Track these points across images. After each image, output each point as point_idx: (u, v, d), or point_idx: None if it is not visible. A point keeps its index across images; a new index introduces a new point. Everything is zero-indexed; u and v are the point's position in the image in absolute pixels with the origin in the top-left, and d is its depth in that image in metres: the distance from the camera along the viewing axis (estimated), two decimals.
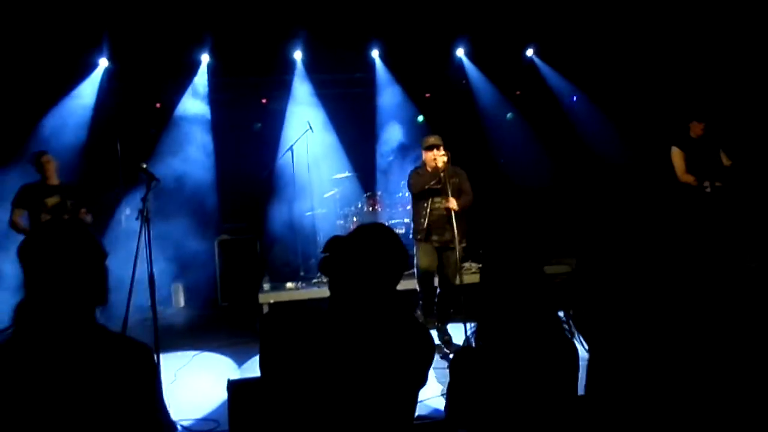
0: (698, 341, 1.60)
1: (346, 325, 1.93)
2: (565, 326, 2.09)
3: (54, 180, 5.85)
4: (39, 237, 1.80)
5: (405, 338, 1.97)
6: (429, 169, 5.52)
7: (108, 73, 8.06)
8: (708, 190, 5.94)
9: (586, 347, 1.77)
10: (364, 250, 2.00)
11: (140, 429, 1.72)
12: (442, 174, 5.36)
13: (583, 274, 1.76)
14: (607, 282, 1.70)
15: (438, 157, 5.37)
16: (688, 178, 6.09)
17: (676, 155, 6.20)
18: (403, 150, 7.89)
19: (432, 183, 5.43)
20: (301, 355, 1.89)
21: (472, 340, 2.14)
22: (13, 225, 5.72)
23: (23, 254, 1.75)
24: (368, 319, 1.94)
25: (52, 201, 5.80)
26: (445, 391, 3.44)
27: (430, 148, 5.52)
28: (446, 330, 5.57)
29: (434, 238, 5.46)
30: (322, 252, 2.07)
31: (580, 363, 2.05)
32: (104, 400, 1.67)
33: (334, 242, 2.08)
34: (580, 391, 2.03)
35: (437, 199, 5.48)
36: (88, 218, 5.92)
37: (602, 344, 1.67)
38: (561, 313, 2.12)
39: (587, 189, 8.70)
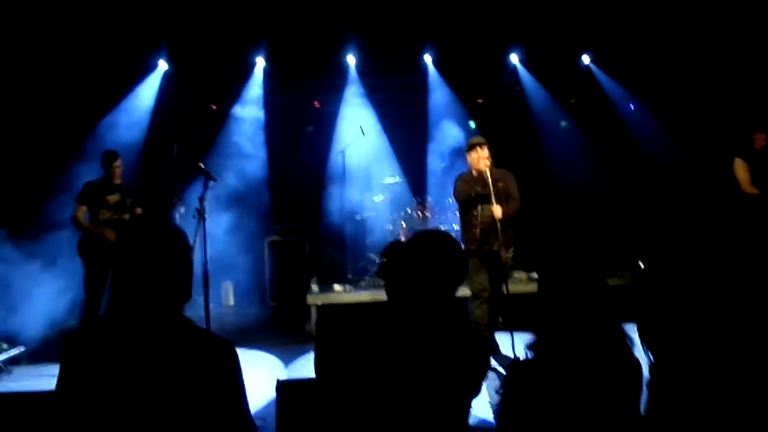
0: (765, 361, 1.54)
1: (402, 331, 1.91)
2: (628, 341, 2.01)
3: (117, 180, 6.05)
4: (130, 232, 1.83)
5: (461, 346, 1.94)
6: (474, 173, 5.38)
7: (166, 75, 8.26)
8: None
9: (653, 360, 1.70)
10: (424, 256, 1.99)
11: (225, 425, 1.73)
12: (488, 179, 5.20)
13: (655, 284, 1.69)
14: (679, 294, 1.63)
15: (482, 158, 5.23)
16: (753, 190, 5.90)
17: (740, 167, 6.02)
18: (455, 154, 7.80)
19: (478, 189, 5.28)
20: (356, 358, 1.88)
21: (528, 352, 2.09)
22: (75, 221, 5.91)
23: (117, 248, 1.79)
24: (425, 325, 1.92)
25: (113, 199, 5.98)
26: (491, 401, 3.38)
27: (472, 147, 5.39)
28: (494, 339, 5.48)
29: (485, 247, 5.32)
30: (382, 257, 2.06)
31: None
32: (190, 395, 1.68)
33: (394, 248, 2.08)
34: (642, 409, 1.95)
35: (486, 206, 5.30)
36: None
37: (669, 359, 1.61)
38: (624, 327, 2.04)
39: (643, 199, 8.46)
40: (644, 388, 1.87)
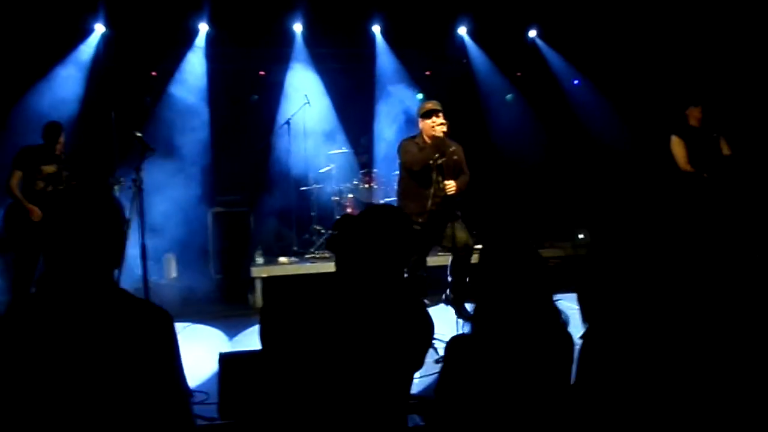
0: (699, 333, 1.59)
1: (349, 303, 1.92)
2: (560, 313, 2.08)
3: (58, 152, 5.87)
4: (61, 200, 1.82)
5: (406, 320, 1.96)
6: (428, 140, 5.06)
7: (104, 40, 7.91)
8: (706, 176, 5.91)
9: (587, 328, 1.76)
10: (375, 230, 1.99)
11: (161, 393, 1.72)
12: (447, 148, 4.96)
13: (593, 255, 1.73)
14: (616, 264, 1.68)
15: (437, 126, 4.94)
16: (689, 168, 6.04)
17: (677, 144, 6.13)
18: (407, 123, 7.78)
19: (436, 157, 4.95)
20: (302, 329, 1.88)
21: (467, 325, 2.14)
22: (8, 188, 5.62)
23: (47, 219, 1.77)
24: (372, 298, 1.93)
25: (48, 169, 5.75)
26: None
27: (428, 114, 5.03)
28: (465, 309, 5.17)
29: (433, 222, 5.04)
30: (332, 229, 2.07)
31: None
32: (125, 363, 1.67)
33: (344, 221, 2.07)
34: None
35: (442, 178, 5.02)
36: None
37: (603, 328, 1.66)
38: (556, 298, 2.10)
39: (585, 173, 8.68)
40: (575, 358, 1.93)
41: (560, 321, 2.04)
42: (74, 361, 1.64)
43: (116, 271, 1.84)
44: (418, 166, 4.98)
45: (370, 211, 2.12)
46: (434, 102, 5.11)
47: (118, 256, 1.79)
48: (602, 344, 1.64)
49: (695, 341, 1.59)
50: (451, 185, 4.96)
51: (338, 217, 7.27)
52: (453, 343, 2.08)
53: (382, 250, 1.97)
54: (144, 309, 1.78)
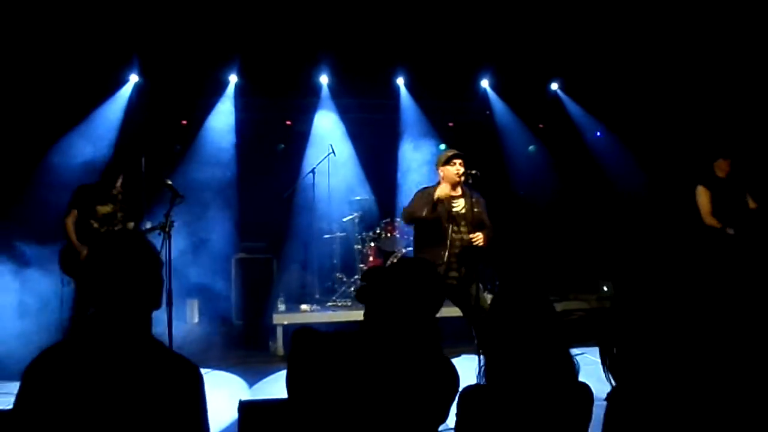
0: (728, 390, 1.57)
1: (375, 354, 1.93)
2: (575, 366, 2.06)
3: (116, 190, 5.77)
4: (100, 247, 1.86)
5: (430, 372, 1.97)
6: (447, 190, 4.88)
7: (137, 89, 8.19)
8: (732, 233, 5.83)
9: (613, 384, 1.73)
10: (405, 283, 2.02)
11: None
12: (467, 198, 4.87)
13: (617, 309, 1.73)
14: (641, 319, 1.66)
15: (460, 172, 4.84)
16: (713, 222, 5.97)
17: (702, 195, 6.07)
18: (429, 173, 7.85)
19: (454, 206, 4.85)
20: (327, 376, 1.88)
21: (481, 377, 2.12)
22: (64, 227, 5.58)
23: (88, 264, 1.82)
24: (398, 350, 1.94)
25: (104, 209, 5.69)
26: None
27: (450, 159, 4.92)
28: None
29: (453, 275, 4.83)
30: (362, 280, 2.10)
31: (596, 404, 2.01)
32: (151, 414, 1.68)
33: (373, 272, 2.11)
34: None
35: (460, 227, 4.86)
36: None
37: (629, 385, 1.64)
38: (575, 351, 2.08)
39: (609, 224, 8.63)
40: (597, 413, 1.90)
41: (575, 373, 2.02)
42: (102, 407, 1.66)
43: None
44: (432, 214, 4.79)
45: (401, 263, 2.17)
46: (454, 150, 5.06)
47: (156, 298, 1.84)
48: (629, 403, 1.62)
49: (725, 399, 1.56)
50: (478, 237, 4.78)
51: (363, 266, 7.30)
52: (466, 394, 2.07)
53: (412, 302, 1.99)
54: (176, 362, 1.80)
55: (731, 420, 1.51)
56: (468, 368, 5.41)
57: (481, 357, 2.15)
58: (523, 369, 1.99)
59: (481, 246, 4.79)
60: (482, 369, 2.07)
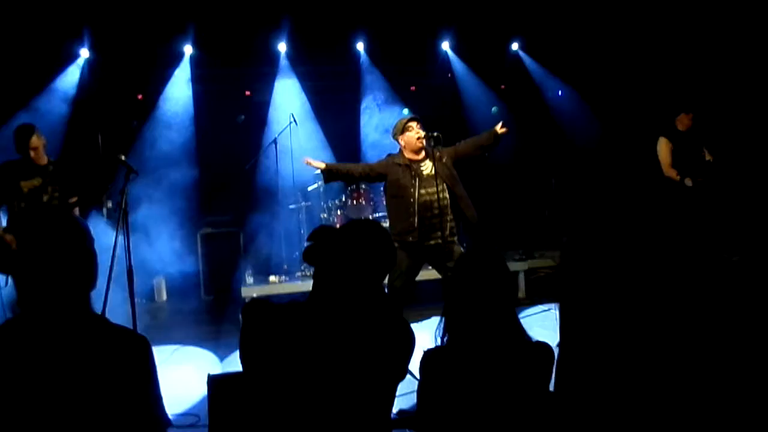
0: (679, 336, 1.60)
1: (326, 317, 1.92)
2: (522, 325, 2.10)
3: (42, 160, 4.87)
4: (22, 227, 1.80)
5: (385, 332, 1.96)
6: (411, 155, 4.87)
7: (89, 64, 7.93)
8: (690, 184, 5.96)
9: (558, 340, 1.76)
10: (355, 243, 1.99)
11: (135, 420, 1.72)
12: (433, 158, 4.73)
13: (567, 266, 1.74)
14: (591, 275, 1.68)
15: (419, 136, 4.78)
16: (672, 173, 6.10)
17: (663, 147, 6.16)
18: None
19: (422, 168, 4.79)
20: (280, 346, 1.87)
21: (439, 337, 2.15)
22: None
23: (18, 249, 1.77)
24: (350, 311, 1.93)
25: (29, 184, 4.78)
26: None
27: (407, 126, 4.83)
28: None
29: (436, 234, 4.74)
30: (308, 240, 2.05)
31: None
32: (99, 390, 1.66)
33: (321, 232, 2.06)
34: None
35: (433, 190, 4.69)
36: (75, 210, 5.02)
37: (578, 338, 1.66)
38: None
39: (570, 182, 8.74)
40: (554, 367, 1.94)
41: (525, 334, 2.05)
42: (48, 387, 1.64)
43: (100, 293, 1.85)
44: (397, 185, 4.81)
45: (350, 225, 2.11)
46: (408, 116, 4.98)
47: (89, 280, 1.79)
48: (578, 353, 1.64)
49: (671, 345, 1.60)
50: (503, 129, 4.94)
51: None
52: (428, 356, 2.09)
53: (360, 263, 1.96)
54: (120, 335, 1.77)
55: (674, 373, 1.55)
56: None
57: (442, 318, 2.17)
58: (480, 328, 2.01)
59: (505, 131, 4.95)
60: (441, 329, 2.10)
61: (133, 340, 1.77)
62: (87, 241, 1.82)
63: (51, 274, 1.71)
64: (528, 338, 2.05)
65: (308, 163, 5.20)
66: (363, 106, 8.69)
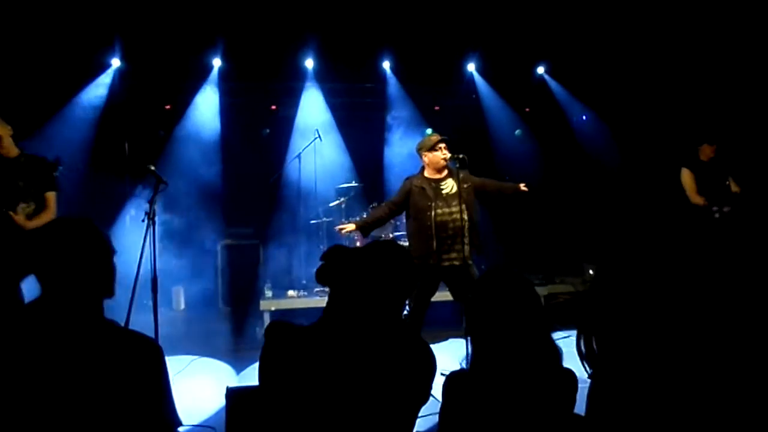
0: (708, 367, 1.58)
1: (345, 339, 1.89)
2: (557, 350, 2.07)
3: (10, 151, 4.30)
4: (44, 234, 1.83)
5: (405, 354, 1.93)
6: (433, 174, 4.95)
7: (119, 74, 8.07)
8: (717, 215, 5.91)
9: (589, 371, 1.73)
10: (375, 265, 1.96)
11: (146, 424, 1.74)
12: (457, 179, 4.78)
13: (597, 294, 1.71)
14: (622, 303, 1.65)
15: (445, 155, 4.85)
16: (699, 200, 6.06)
17: (687, 176, 6.17)
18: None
19: (442, 187, 4.84)
20: (300, 370, 1.85)
21: (464, 361, 2.13)
22: None
23: (35, 251, 1.79)
24: (367, 333, 1.90)
25: None
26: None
27: (436, 145, 4.89)
28: None
29: (453, 255, 4.79)
30: (321, 259, 2.02)
31: (580, 386, 2.01)
32: (111, 394, 1.68)
33: (334, 252, 2.04)
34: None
35: (450, 209, 4.79)
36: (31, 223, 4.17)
37: (610, 368, 1.64)
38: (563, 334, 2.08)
39: (594, 207, 8.68)
40: (580, 396, 1.91)
41: (559, 359, 2.02)
42: (59, 389, 1.65)
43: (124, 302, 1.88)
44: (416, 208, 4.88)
45: (369, 246, 2.05)
46: (439, 135, 5.03)
47: (107, 286, 1.83)
48: (612, 384, 1.62)
49: (705, 375, 1.57)
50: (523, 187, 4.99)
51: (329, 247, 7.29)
52: (451, 380, 2.07)
53: (380, 285, 1.93)
54: (132, 340, 1.80)
55: (710, 406, 1.52)
56: (455, 352, 5.47)
57: (469, 343, 2.14)
58: (506, 354, 1.99)
59: (525, 191, 5.01)
60: (469, 355, 2.07)
61: (144, 344, 1.80)
62: (108, 250, 1.86)
63: (68, 280, 1.75)
64: (559, 361, 2.02)
65: (341, 230, 5.21)
66: (387, 124, 8.73)
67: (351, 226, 5.19)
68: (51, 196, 4.29)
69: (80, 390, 1.66)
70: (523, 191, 5.04)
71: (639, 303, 1.68)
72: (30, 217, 4.17)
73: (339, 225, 5.40)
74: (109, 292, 1.85)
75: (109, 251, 1.87)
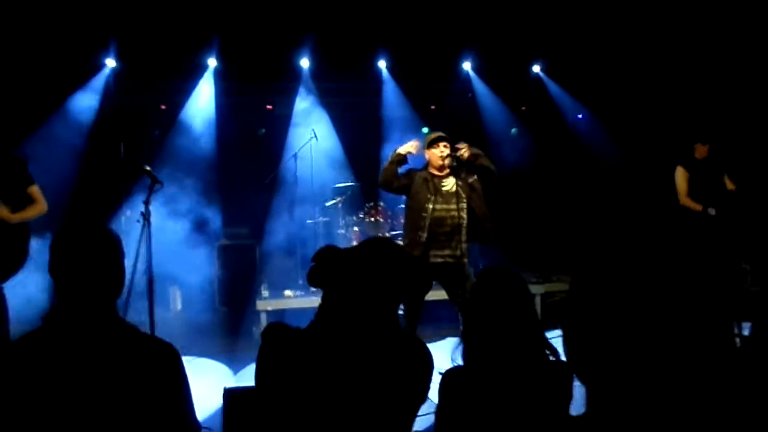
0: (699, 367, 1.56)
1: (341, 341, 1.86)
2: (551, 346, 2.07)
3: None
4: (61, 240, 1.82)
5: (402, 354, 1.91)
6: (435, 171, 4.95)
7: (114, 74, 8.04)
8: (713, 213, 5.90)
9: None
10: (366, 263, 1.91)
11: (168, 427, 1.74)
12: (458, 177, 4.77)
13: (577, 293, 1.70)
14: (602, 303, 1.63)
15: (444, 155, 4.85)
16: (688, 202, 6.05)
17: (680, 176, 6.15)
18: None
19: (443, 185, 4.82)
20: (297, 372, 1.84)
21: (459, 358, 2.12)
22: None
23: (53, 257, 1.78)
24: (362, 334, 1.88)
25: None
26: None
27: (434, 143, 4.90)
28: None
29: (447, 252, 4.79)
30: (312, 260, 1.98)
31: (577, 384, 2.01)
32: (131, 398, 1.68)
33: (325, 253, 1.99)
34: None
35: (448, 207, 4.77)
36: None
37: (597, 372, 1.63)
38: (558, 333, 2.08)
39: (589, 207, 8.69)
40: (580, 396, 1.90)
41: (554, 353, 2.02)
42: (80, 395, 1.65)
43: (120, 303, 1.88)
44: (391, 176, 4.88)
45: (362, 244, 2.00)
46: (438, 133, 5.04)
47: (118, 288, 1.84)
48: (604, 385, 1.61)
49: (687, 376, 1.56)
50: (464, 146, 4.82)
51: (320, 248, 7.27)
52: (447, 377, 2.06)
53: (372, 284, 1.89)
54: (150, 344, 1.80)
55: (695, 407, 1.50)
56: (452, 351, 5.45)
57: (461, 339, 2.14)
58: (502, 352, 1.99)
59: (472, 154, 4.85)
60: (461, 349, 2.07)
61: (162, 348, 1.80)
62: (119, 252, 1.86)
63: (83, 282, 1.75)
64: (555, 358, 2.02)
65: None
66: (383, 122, 8.71)
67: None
68: (35, 189, 4.17)
69: (102, 396, 1.66)
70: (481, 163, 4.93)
71: (618, 303, 1.67)
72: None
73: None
74: (119, 294, 1.86)
75: (122, 253, 1.88)
